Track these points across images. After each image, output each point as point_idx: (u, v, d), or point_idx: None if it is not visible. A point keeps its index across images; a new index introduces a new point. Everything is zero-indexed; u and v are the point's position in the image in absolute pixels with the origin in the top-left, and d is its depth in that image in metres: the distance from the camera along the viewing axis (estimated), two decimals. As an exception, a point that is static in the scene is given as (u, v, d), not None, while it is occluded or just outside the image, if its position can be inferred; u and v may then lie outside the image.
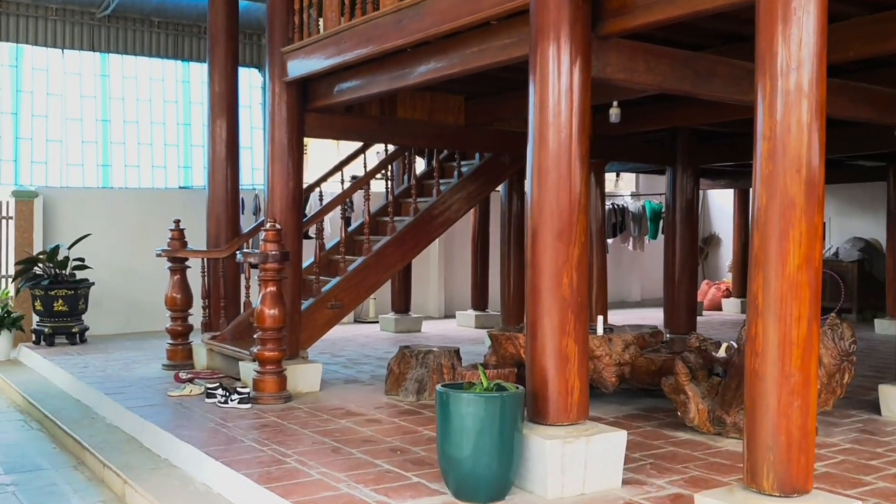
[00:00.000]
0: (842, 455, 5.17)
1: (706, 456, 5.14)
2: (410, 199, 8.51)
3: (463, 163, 8.71)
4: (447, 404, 4.22)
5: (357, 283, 7.83)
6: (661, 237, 13.99)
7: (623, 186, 16.77)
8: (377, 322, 12.38)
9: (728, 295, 15.29)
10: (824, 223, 14.84)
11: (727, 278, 15.73)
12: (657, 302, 14.93)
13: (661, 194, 14.73)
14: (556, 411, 4.41)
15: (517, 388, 4.34)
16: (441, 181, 8.48)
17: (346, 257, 7.94)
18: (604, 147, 8.67)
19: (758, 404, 3.40)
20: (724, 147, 10.04)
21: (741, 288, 15.05)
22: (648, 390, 6.91)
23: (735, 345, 5.42)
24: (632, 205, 15.00)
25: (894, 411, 6.14)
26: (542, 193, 4.45)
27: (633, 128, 8.18)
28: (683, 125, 8.89)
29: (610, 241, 13.82)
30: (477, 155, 8.77)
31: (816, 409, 5.86)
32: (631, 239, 14.84)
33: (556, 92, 4.43)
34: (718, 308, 14.91)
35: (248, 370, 6.97)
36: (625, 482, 4.51)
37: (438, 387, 4.34)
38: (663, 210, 13.83)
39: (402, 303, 11.80)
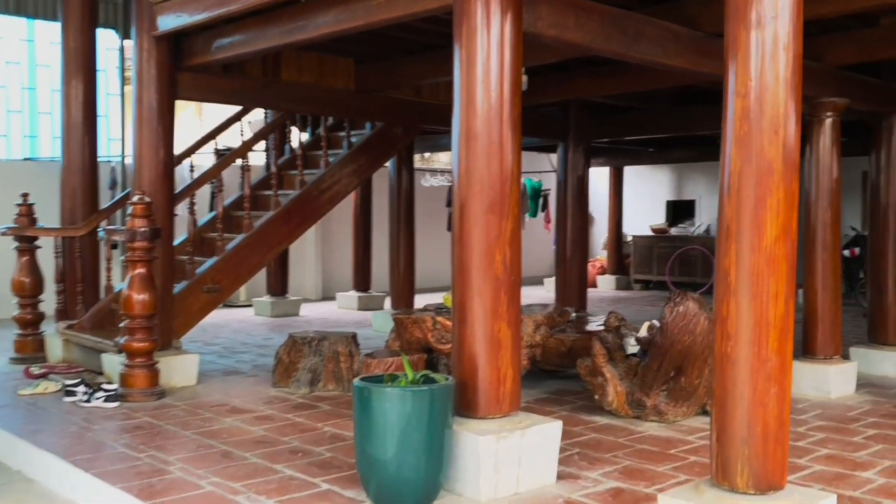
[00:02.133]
0: (766, 436, 4.98)
1: (631, 443, 4.83)
2: (295, 171, 7.82)
3: (353, 132, 8.09)
4: (368, 400, 3.68)
5: (237, 263, 7.10)
6: (541, 215, 13.86)
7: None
8: (250, 306, 11.59)
9: (603, 272, 15.40)
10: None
11: (601, 255, 15.84)
12: (534, 280, 14.83)
13: (541, 172, 14.59)
14: (488, 403, 3.96)
15: (447, 378, 3.85)
16: (329, 152, 7.83)
17: (225, 235, 7.19)
18: None
19: (730, 392, 3.05)
20: (614, 123, 9.87)
21: (616, 265, 15.18)
22: (553, 372, 6.60)
23: (657, 324, 5.14)
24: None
25: (802, 388, 6.07)
26: (471, 161, 3.95)
27: (526, 101, 7.80)
28: (578, 97, 8.61)
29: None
30: (367, 124, 8.18)
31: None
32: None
33: (486, 46, 3.93)
34: (594, 285, 14.96)
35: (112, 363, 6.15)
36: (558, 477, 4.12)
37: (356, 381, 3.80)
38: (543, 187, 13.70)
39: (278, 285, 11.08)
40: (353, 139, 8.04)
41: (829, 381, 5.98)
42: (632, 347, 5.36)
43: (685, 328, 4.99)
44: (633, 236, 15.05)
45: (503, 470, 3.85)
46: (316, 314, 11.15)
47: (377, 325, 9.36)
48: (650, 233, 14.87)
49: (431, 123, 8.27)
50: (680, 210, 15.38)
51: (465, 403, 3.96)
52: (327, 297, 13.04)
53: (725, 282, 3.06)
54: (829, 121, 6.22)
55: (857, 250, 11.39)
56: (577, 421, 5.30)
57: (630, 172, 15.50)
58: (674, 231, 14.72)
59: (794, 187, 3.04)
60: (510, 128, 3.97)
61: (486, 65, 3.94)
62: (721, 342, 3.08)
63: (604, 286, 15.14)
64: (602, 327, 6.56)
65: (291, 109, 7.73)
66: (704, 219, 14.75)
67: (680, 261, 14.17)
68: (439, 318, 5.68)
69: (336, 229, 12.94)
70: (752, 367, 3.01)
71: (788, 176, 3.01)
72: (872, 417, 5.44)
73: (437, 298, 11.15)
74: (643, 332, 5.36)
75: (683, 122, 9.27)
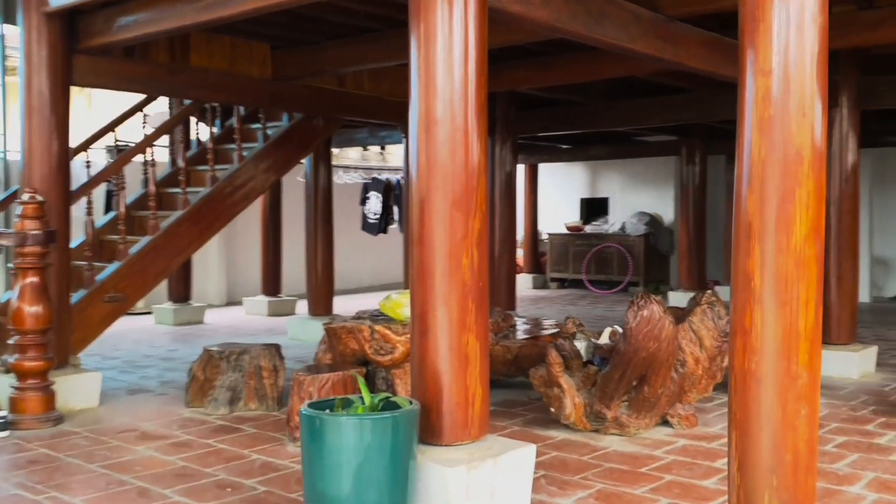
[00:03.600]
0: (735, 447, 4.66)
1: (597, 461, 4.43)
2: (205, 166, 7.11)
3: (269, 124, 7.44)
4: (321, 431, 3.14)
5: (142, 268, 6.37)
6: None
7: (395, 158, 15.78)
8: (149, 313, 10.72)
9: (519, 271, 15.10)
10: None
11: (517, 254, 15.54)
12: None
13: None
14: (455, 428, 3.47)
15: (410, 402, 3.34)
16: (243, 146, 7.16)
17: (127, 238, 6.44)
18: (397, 110, 7.62)
19: (754, 415, 2.65)
20: (543, 117, 9.50)
21: (532, 264, 14.94)
22: (496, 381, 6.16)
23: (620, 329, 4.75)
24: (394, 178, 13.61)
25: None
26: (432, 150, 3.45)
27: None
28: (506, 90, 8.21)
29: (394, 226, 12.79)
30: (285, 116, 7.54)
31: (699, 396, 5.42)
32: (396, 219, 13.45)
33: (448, 20, 3.44)
34: (510, 285, 14.61)
35: (0, 386, 5.36)
36: (531, 507, 3.68)
37: (304, 408, 3.25)
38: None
39: (180, 290, 10.27)
40: (270, 132, 7.40)
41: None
42: (604, 339, 4.96)
43: (650, 333, 4.62)
44: (549, 234, 14.83)
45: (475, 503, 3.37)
46: (222, 321, 10.40)
47: (293, 333, 8.72)
48: (565, 231, 14.67)
49: (355, 115, 7.72)
50: (594, 207, 15.25)
51: (428, 429, 3.46)
52: (233, 302, 12.26)
53: (748, 288, 2.66)
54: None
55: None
56: (532, 437, 4.86)
57: (545, 170, 15.28)
58: (589, 229, 14.57)
59: (823, 179, 2.67)
60: (476, 113, 3.50)
61: (448, 41, 3.45)
62: (742, 357, 2.68)
63: (520, 285, 14.80)
64: (547, 331, 6.18)
65: (202, 98, 7.02)
66: (618, 216, 14.66)
67: (596, 259, 14.01)
68: (378, 327, 5.15)
69: (242, 230, 12.17)
70: (780, 386, 2.62)
71: (817, 166, 2.64)
72: (834, 423, 5.21)
73: (356, 303, 10.61)
74: (605, 339, 4.97)
75: (614, 117, 9.01)
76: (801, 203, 2.61)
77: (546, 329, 6.42)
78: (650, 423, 4.94)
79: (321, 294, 8.72)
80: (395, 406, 3.31)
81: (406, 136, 8.06)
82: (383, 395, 3.37)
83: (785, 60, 2.61)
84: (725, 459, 4.43)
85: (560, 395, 4.91)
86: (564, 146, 13.67)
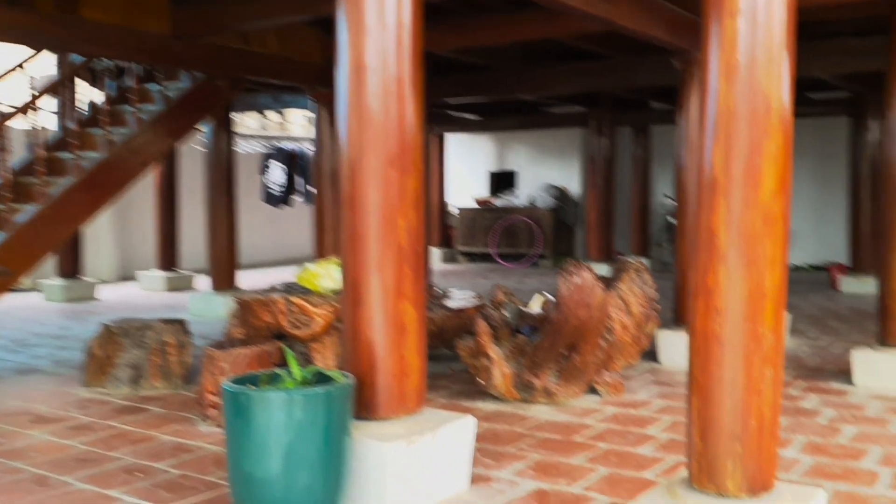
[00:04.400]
0: (664, 415, 4.60)
1: (529, 431, 4.27)
2: (99, 129, 6.57)
3: (168, 85, 6.93)
4: (247, 409, 2.85)
5: (30, 240, 5.84)
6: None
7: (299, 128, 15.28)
8: (36, 290, 10.02)
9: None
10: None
11: (422, 228, 15.34)
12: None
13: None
14: (391, 401, 3.23)
15: (344, 375, 3.08)
16: (141, 108, 6.65)
17: (12, 205, 5.89)
18: (307, 73, 7.26)
19: (718, 380, 2.52)
20: (457, 82, 9.24)
21: (441, 238, 14.76)
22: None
23: (553, 298, 4.60)
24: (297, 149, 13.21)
25: (673, 358, 5.81)
26: (364, 101, 3.17)
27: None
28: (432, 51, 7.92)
29: (299, 198, 12.40)
30: (185, 76, 7.04)
31: (626, 363, 5.34)
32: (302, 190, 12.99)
33: (380, -43, 3.15)
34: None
35: None
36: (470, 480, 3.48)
37: (227, 384, 2.95)
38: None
39: (69, 265, 9.62)
40: (170, 93, 6.90)
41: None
42: (535, 308, 4.80)
43: (581, 301, 4.49)
44: (459, 208, 14.67)
45: (413, 481, 3.15)
46: (117, 298, 9.81)
47: (195, 309, 8.26)
48: (474, 204, 14.54)
49: (261, 76, 7.30)
50: (502, 181, 15.17)
51: (362, 404, 3.21)
52: (126, 277, 11.62)
53: (711, 245, 2.52)
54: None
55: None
56: (460, 409, 4.67)
57: (452, 144, 15.09)
58: (498, 202, 14.48)
59: (791, 132, 2.54)
60: (411, 59, 3.24)
61: (380, -20, 3.16)
62: (705, 319, 2.54)
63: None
64: (469, 303, 5.99)
65: (93, 54, 6.48)
66: (526, 189, 14.63)
67: (504, 232, 13.95)
68: (294, 299, 4.85)
69: (135, 201, 11.51)
70: (746, 348, 2.49)
71: (786, 117, 2.50)
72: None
73: (261, 278, 10.15)
74: (535, 308, 4.81)
75: (529, 83, 8.85)
76: (770, 156, 2.47)
77: (467, 301, 6.23)
78: (578, 391, 4.82)
79: (224, 268, 8.28)
80: (328, 380, 3.04)
81: (316, 100, 7.69)
82: (313, 368, 3.10)
83: (755, 2, 2.46)
84: (657, 426, 4.38)
85: (489, 365, 4.73)
86: (473, 117, 13.49)
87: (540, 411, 4.64)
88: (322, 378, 3.06)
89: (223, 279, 8.36)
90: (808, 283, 10.70)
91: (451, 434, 3.32)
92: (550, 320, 4.55)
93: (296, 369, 3.03)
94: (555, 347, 4.61)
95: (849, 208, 10.59)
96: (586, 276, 4.51)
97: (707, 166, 2.53)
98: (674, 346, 5.79)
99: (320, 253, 7.85)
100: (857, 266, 10.20)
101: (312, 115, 8.38)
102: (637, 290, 5.00)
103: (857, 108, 10.01)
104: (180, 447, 4.02)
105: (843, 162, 11.22)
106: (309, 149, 12.19)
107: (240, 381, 3.02)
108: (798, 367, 5.78)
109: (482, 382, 4.78)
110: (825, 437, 4.15)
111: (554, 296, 4.58)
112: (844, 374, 5.38)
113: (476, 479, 3.53)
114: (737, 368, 2.50)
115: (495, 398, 4.84)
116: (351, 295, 3.25)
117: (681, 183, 6.14)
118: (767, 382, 2.51)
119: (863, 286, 9.69)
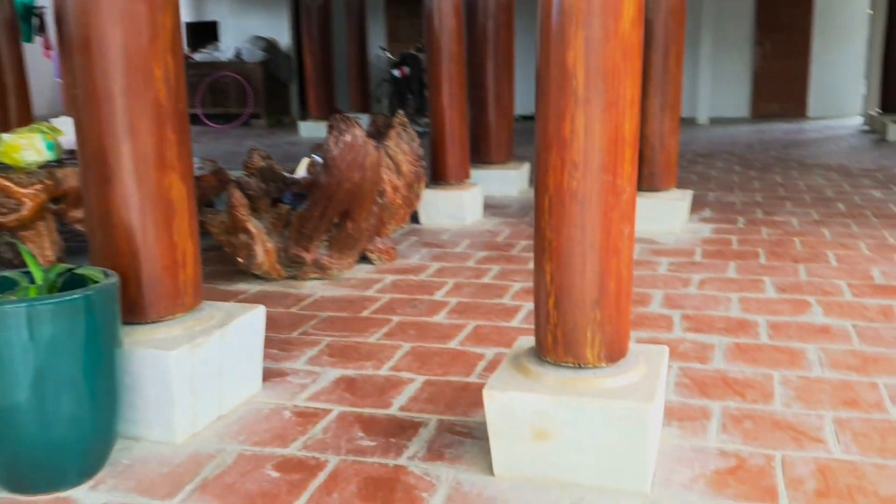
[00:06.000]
0: (445, 278, 4.35)
1: (310, 312, 3.82)
2: None
3: None
4: (-25, 332, 2.10)
5: None
6: (37, 40, 11.16)
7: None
8: None
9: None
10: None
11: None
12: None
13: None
14: (164, 298, 2.60)
15: (105, 273, 2.38)
16: None
17: None
18: None
19: (577, 242, 2.21)
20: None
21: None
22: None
23: (320, 160, 4.05)
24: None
25: (433, 217, 5.57)
26: None
27: None
28: None
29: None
30: None
31: (397, 227, 4.97)
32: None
33: None
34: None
35: None
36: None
37: (-62, 301, 2.15)
38: (37, 5, 10.95)
39: None
40: None
41: (465, 208, 5.55)
42: (301, 172, 4.22)
43: (354, 162, 4.01)
44: (154, 64, 13.15)
45: (202, 391, 2.60)
46: None
47: None
48: (174, 60, 13.11)
49: None
50: (201, 33, 13.79)
51: (128, 306, 2.54)
52: None
53: (566, 88, 2.14)
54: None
55: (406, 70, 11.26)
56: (220, 295, 4.06)
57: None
58: (199, 57, 13.17)
59: (646, -52, 2.19)
60: None
61: None
62: (560, 174, 2.19)
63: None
64: (202, 171, 5.26)
65: None
66: (231, 42, 13.44)
67: (210, 90, 12.79)
68: (-7, 179, 3.86)
69: None
70: (605, 204, 2.19)
71: (643, -68, 2.14)
72: (523, 240, 5.15)
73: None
74: (302, 172, 4.23)
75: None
76: (629, -22, 2.11)
77: (200, 168, 5.46)
78: (351, 262, 4.41)
79: None
80: (83, 281, 2.34)
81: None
82: (60, 267, 2.36)
83: None
84: (442, 292, 4.12)
85: (248, 241, 4.14)
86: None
87: (313, 288, 4.19)
88: (77, 280, 2.34)
89: None
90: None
91: (242, 330, 2.77)
92: (319, 185, 4.03)
93: (36, 271, 2.29)
94: (326, 216, 4.11)
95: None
96: (358, 134, 4.01)
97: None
98: (433, 205, 5.55)
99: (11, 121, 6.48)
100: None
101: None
102: (406, 147, 4.61)
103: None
104: None
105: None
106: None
107: (-45, 294, 2.22)
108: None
109: (241, 261, 4.19)
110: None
111: (321, 157, 4.04)
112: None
113: (269, 375, 3.04)
114: (595, 228, 2.20)
115: (259, 278, 4.29)
116: (96, 171, 2.50)
117: (432, 31, 5.71)
118: (626, 241, 2.26)
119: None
